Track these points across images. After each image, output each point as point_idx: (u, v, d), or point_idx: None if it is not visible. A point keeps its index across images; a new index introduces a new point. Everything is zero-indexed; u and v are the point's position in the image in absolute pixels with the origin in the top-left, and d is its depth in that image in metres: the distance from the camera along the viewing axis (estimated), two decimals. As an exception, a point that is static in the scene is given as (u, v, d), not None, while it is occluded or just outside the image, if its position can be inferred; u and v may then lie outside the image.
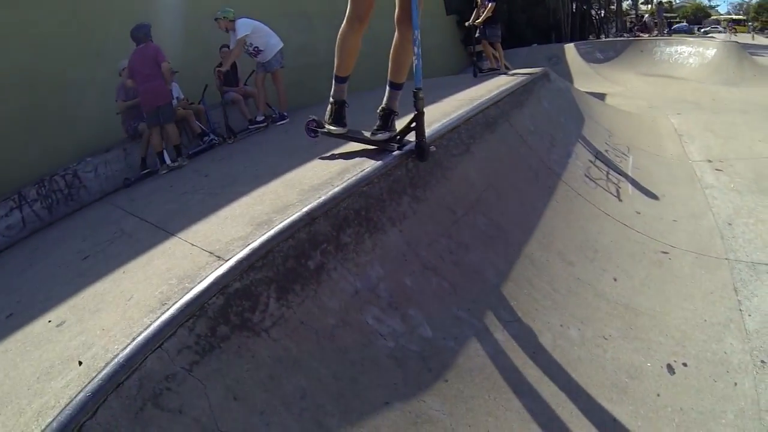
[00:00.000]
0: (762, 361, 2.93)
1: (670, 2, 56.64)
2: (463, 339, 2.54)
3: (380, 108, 3.36)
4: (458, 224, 3.22)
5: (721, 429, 2.49)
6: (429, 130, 3.61)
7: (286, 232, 2.42)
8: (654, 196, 4.83)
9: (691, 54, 17.35)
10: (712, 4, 67.88)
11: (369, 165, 3.10)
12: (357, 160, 3.37)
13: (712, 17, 59.02)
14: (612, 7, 36.31)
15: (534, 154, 4.50)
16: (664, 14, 32.85)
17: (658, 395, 2.63)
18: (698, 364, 2.87)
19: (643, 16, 35.45)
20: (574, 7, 31.04)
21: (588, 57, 17.01)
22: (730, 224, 4.41)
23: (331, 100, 3.55)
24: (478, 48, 8.60)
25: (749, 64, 16.31)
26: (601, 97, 10.59)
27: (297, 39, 9.46)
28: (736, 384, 2.76)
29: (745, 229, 4.35)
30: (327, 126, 3.58)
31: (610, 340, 2.92)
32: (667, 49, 18.11)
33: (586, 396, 2.52)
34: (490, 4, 7.94)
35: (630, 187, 4.86)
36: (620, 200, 4.60)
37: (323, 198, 2.67)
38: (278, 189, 3.17)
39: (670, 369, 2.82)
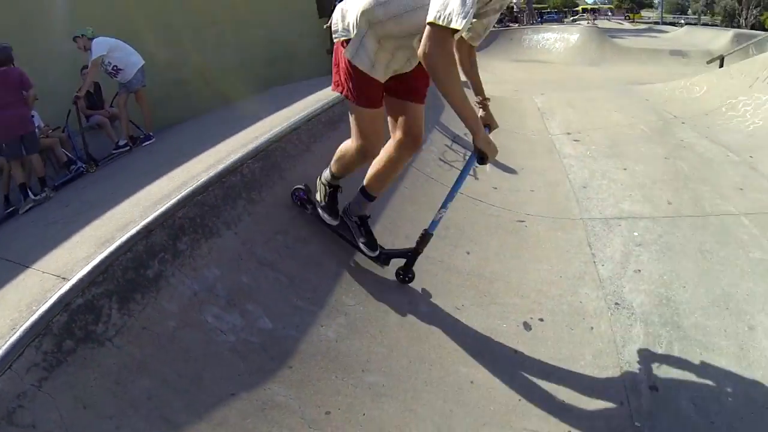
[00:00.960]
0: (616, 303, 3.27)
1: (540, -6, 61.10)
2: (304, 327, 2.69)
3: (350, 215, 3.14)
4: (295, 220, 3.37)
5: (580, 370, 2.74)
6: (268, 134, 3.76)
7: (124, 247, 2.53)
8: (512, 171, 5.21)
9: (557, 40, 19.13)
10: None
11: (205, 175, 3.22)
12: (200, 169, 3.46)
13: (580, 7, 64.15)
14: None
15: (380, 144, 4.76)
16: (534, 5, 35.64)
17: (516, 352, 2.83)
18: (554, 317, 3.13)
19: (513, 8, 37.97)
20: None
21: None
22: (585, 187, 4.86)
23: (329, 186, 3.15)
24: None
25: (609, 46, 18.23)
26: (466, 85, 11.24)
27: (164, 54, 9.20)
28: (592, 328, 3.05)
29: (599, 190, 4.82)
30: (319, 209, 3.25)
31: (463, 309, 3.10)
32: (535, 37, 19.80)
33: (440, 364, 2.66)
34: None
35: (488, 164, 5.20)
36: (476, 178, 4.92)
37: (159, 211, 2.80)
38: (125, 208, 3.26)
39: (527, 326, 3.04)
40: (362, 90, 2.52)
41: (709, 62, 12.50)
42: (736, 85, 8.06)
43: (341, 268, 3.22)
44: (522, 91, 9.97)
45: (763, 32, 19.60)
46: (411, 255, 3.08)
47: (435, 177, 4.69)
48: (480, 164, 2.51)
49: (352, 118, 2.67)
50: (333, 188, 3.12)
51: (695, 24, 44.35)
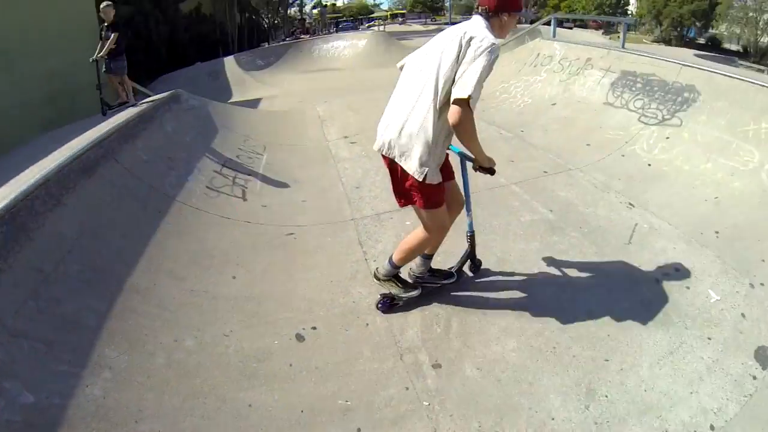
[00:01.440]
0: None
1: (334, 4, 62.97)
2: (68, 391, 2.53)
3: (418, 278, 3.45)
4: (47, 281, 3.13)
5: (360, 367, 2.90)
6: (14, 194, 3.44)
7: None
8: (284, 185, 5.33)
9: (346, 47, 20.08)
10: (376, 2, 78.70)
11: None
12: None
13: (375, 14, 67.27)
14: (281, 14, 38.92)
15: (144, 183, 4.60)
16: (330, 15, 36.59)
17: (291, 365, 2.90)
18: (328, 322, 3.27)
19: (305, 20, 38.67)
20: (243, 19, 32.32)
21: (248, 66, 18.17)
22: (357, 188, 5.12)
23: (393, 276, 3.39)
24: (105, 82, 8.32)
25: (396, 48, 19.48)
26: (255, 103, 11.33)
27: None
28: (368, 324, 3.25)
29: (372, 187, 5.11)
30: (403, 296, 3.42)
31: (232, 335, 3.11)
32: (325, 46, 20.57)
33: (215, 395, 2.67)
34: (112, 35, 7.73)
35: (258, 183, 5.28)
36: (245, 200, 4.96)
37: None
38: None
39: (299, 337, 3.13)
40: (436, 196, 2.93)
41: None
42: (509, 71, 9.08)
43: (100, 320, 3.06)
44: (307, 101, 10.21)
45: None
46: (470, 254, 3.64)
47: (201, 207, 4.62)
48: (490, 174, 3.10)
49: (424, 217, 3.01)
50: (397, 274, 3.38)
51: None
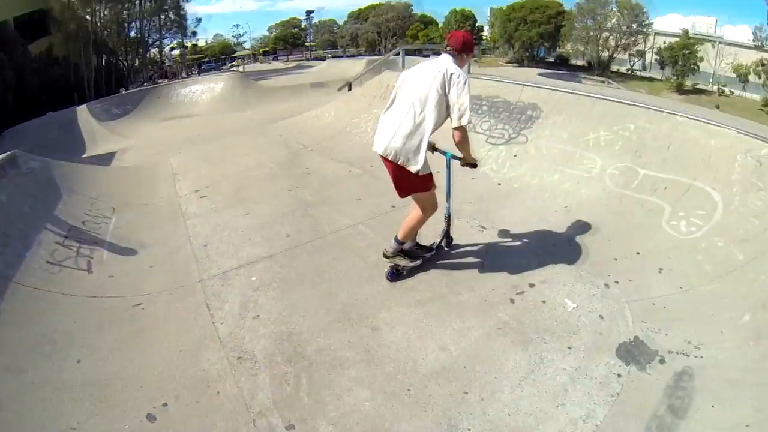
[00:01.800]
0: (238, 358, 3.32)
1: (195, 44, 62.03)
2: None
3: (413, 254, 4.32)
4: None
5: None
6: None
7: None
8: (132, 252, 4.96)
9: (204, 91, 19.74)
10: (240, 41, 79.27)
11: None
12: None
13: (238, 53, 67.14)
14: (140, 56, 37.60)
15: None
16: (192, 57, 35.98)
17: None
18: (177, 396, 3.04)
19: (164, 62, 37.73)
20: (100, 61, 30.77)
21: (103, 116, 17.12)
22: (205, 245, 4.91)
23: (401, 251, 4.21)
24: None
25: (253, 89, 19.51)
26: (109, 158, 10.73)
27: None
28: (218, 393, 3.03)
29: (219, 244, 4.92)
30: (411, 265, 4.28)
31: (79, 426, 2.82)
32: (182, 91, 20.07)
33: None
34: None
35: (105, 252, 4.90)
36: (90, 272, 4.57)
37: None
38: None
39: (150, 417, 2.87)
40: (431, 181, 3.93)
41: (339, 89, 14.14)
42: (359, 105, 9.21)
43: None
44: (162, 153, 9.75)
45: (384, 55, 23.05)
46: (446, 232, 4.48)
47: (41, 286, 4.16)
48: (473, 167, 4.17)
49: (423, 199, 3.96)
50: (402, 249, 4.20)
51: (341, 57, 50.48)
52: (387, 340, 3.40)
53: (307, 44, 76.78)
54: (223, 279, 4.25)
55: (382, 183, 5.89)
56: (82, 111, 17.35)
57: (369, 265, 4.35)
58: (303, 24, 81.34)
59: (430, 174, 3.86)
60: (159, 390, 3.11)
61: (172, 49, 51.45)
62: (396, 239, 4.11)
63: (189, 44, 55.36)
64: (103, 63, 31.75)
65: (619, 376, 2.95)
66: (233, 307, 3.88)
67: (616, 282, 3.82)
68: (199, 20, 48.13)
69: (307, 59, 49.48)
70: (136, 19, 36.64)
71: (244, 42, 79.20)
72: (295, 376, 3.13)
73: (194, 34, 48.10)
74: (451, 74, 3.66)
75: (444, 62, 3.78)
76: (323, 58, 48.77)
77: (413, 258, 4.26)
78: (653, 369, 3.00)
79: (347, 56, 50.43)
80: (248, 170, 7.25)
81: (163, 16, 39.38)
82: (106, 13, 32.63)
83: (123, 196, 6.55)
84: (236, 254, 4.67)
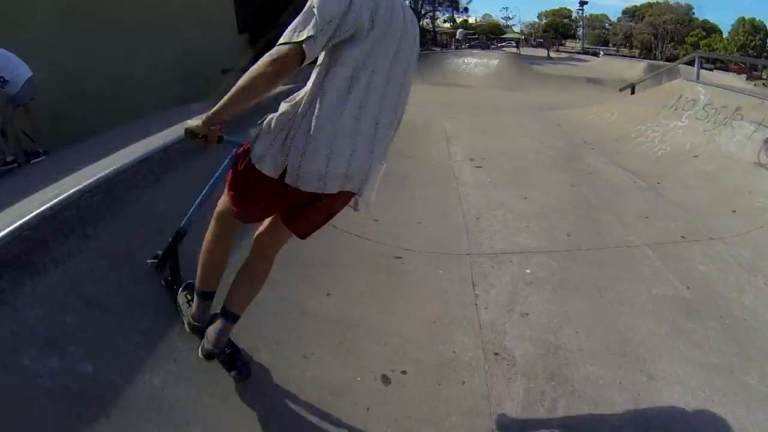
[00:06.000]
0: (495, 354, 2.95)
1: (465, 21, 63.38)
2: (128, 373, 2.40)
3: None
4: (133, 257, 3.02)
5: (445, 431, 2.41)
6: (116, 165, 3.30)
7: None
8: (401, 201, 4.90)
9: (477, 64, 19.79)
10: (509, 23, 78.34)
11: (33, 209, 2.82)
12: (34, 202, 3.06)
13: (507, 35, 67.15)
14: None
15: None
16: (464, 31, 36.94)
17: (368, 409, 2.47)
18: (420, 369, 2.79)
19: (437, 32, 39.06)
20: None
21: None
22: (478, 218, 4.63)
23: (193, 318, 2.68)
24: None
25: (528, 72, 19.03)
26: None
27: (70, 63, 8.43)
28: (464, 383, 2.71)
29: (493, 221, 4.60)
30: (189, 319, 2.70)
31: (312, 358, 2.74)
32: (456, 60, 20.42)
33: (278, 420, 2.35)
34: None
35: (373, 194, 4.89)
36: (356, 210, 4.54)
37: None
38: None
39: (386, 379, 2.68)
40: None
41: (621, 89, 12.99)
42: (645, 111, 8.27)
43: (175, 310, 2.87)
44: (434, 114, 9.86)
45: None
46: (168, 248, 2.87)
47: None
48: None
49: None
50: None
51: (613, 55, 47.27)
52: (661, 396, 2.68)
53: (578, 37, 73.62)
54: (493, 260, 3.92)
55: (671, 206, 5.07)
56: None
57: (652, 298, 3.63)
58: (573, 15, 77.66)
59: None
60: (401, 355, 2.89)
61: (444, 21, 52.86)
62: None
63: (459, 20, 56.35)
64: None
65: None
66: (501, 295, 3.51)
67: None
68: (471, -3, 48.48)
69: (579, 52, 47.19)
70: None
71: (513, 25, 78.51)
72: (553, 399, 2.63)
73: (465, 10, 48.63)
74: None
75: None
76: (596, 54, 46.23)
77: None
78: None
79: (620, 56, 47.08)
80: (526, 152, 6.85)
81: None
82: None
83: (396, 146, 6.61)
84: (511, 238, 4.30)
